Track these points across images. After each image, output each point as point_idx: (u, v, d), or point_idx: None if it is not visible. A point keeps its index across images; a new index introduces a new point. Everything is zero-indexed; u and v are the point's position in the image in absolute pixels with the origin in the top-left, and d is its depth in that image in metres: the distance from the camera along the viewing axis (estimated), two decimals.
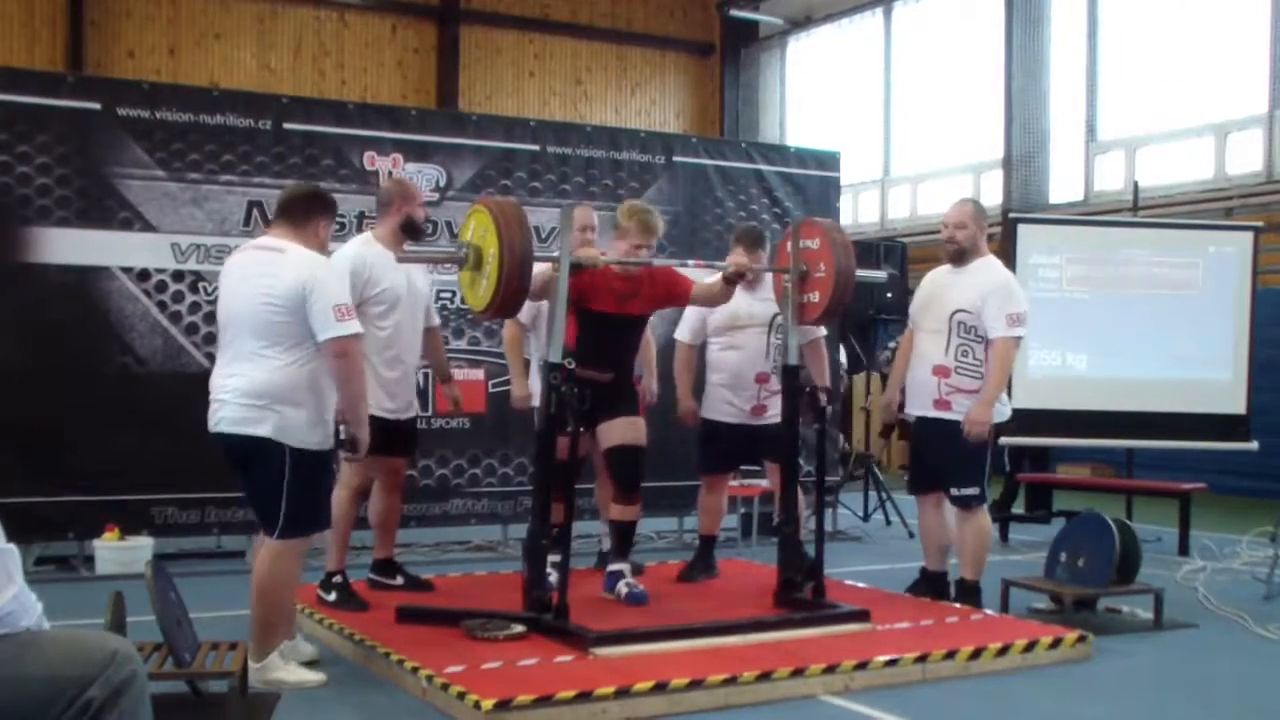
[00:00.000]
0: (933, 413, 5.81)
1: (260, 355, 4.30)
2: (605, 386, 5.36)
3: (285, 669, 4.51)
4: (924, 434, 5.97)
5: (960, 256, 5.89)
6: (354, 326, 4.31)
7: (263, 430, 4.29)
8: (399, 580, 5.84)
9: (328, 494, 4.77)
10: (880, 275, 7.04)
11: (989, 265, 5.93)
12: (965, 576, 5.85)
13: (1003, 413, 5.90)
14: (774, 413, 6.05)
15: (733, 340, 6.17)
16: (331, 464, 4.75)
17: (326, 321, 4.24)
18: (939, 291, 5.92)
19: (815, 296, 5.48)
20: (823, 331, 6.32)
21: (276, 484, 4.33)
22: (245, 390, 4.30)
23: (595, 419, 5.41)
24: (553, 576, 4.99)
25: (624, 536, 5.65)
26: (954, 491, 5.80)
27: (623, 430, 5.47)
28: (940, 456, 5.83)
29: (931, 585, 6.00)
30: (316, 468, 4.44)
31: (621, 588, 5.55)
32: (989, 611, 5.63)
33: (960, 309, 5.76)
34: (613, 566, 5.69)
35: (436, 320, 5.98)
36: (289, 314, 4.26)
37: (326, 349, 4.29)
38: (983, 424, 5.67)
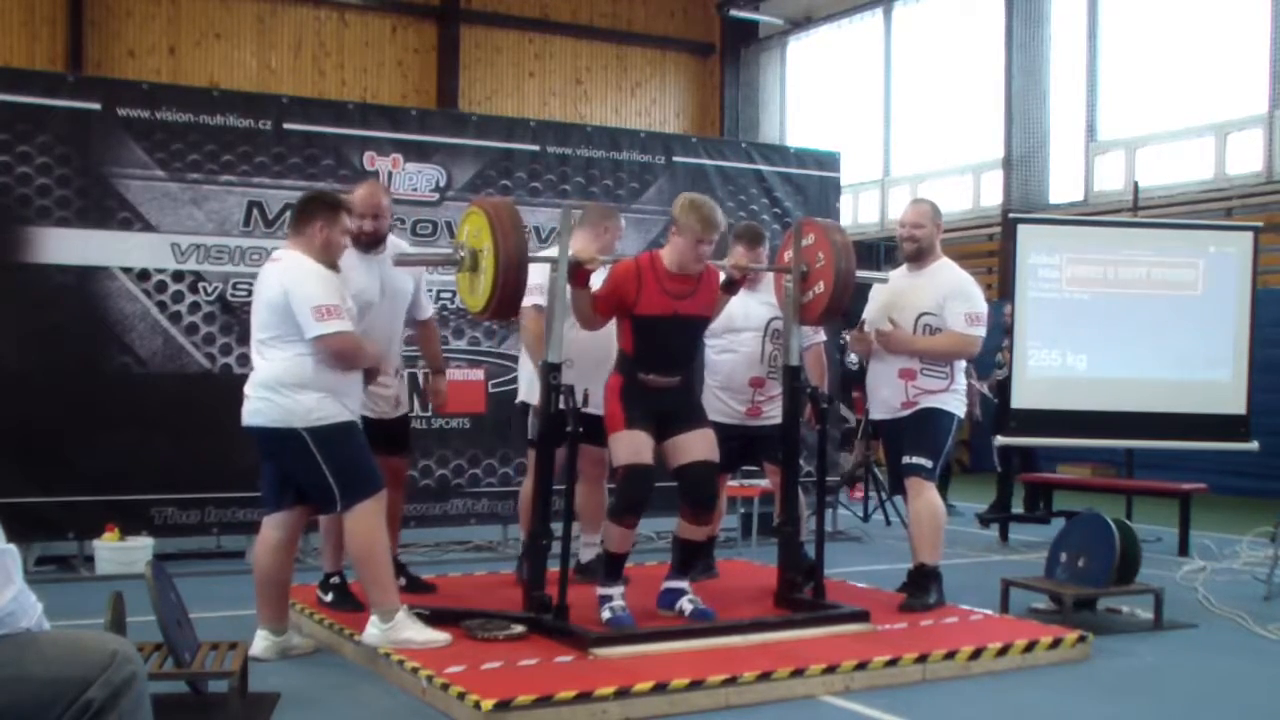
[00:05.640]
0: (902, 414, 5.77)
1: (267, 349, 4.62)
2: (672, 392, 5.12)
3: (413, 628, 4.66)
4: (894, 431, 5.86)
5: (918, 256, 5.86)
6: (334, 325, 4.53)
7: (268, 420, 4.58)
8: (399, 581, 5.80)
9: (369, 455, 4.77)
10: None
11: (947, 267, 5.89)
12: (924, 561, 5.62)
13: (958, 408, 5.83)
14: (770, 415, 6.03)
15: (728, 344, 6.12)
16: (360, 432, 4.77)
17: (307, 323, 4.53)
18: (901, 295, 5.87)
19: (817, 291, 5.47)
20: (823, 337, 6.29)
21: (313, 465, 4.58)
22: (256, 381, 4.64)
23: (665, 429, 5.08)
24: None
25: (691, 555, 5.39)
26: (905, 459, 5.70)
27: (702, 446, 5.12)
28: (904, 433, 5.76)
29: None
30: (344, 435, 4.62)
31: (685, 604, 5.23)
32: (988, 611, 5.63)
33: (925, 311, 5.73)
34: (672, 583, 5.32)
35: (429, 312, 5.83)
36: (279, 316, 4.58)
37: (317, 347, 4.54)
38: (885, 339, 5.72)
